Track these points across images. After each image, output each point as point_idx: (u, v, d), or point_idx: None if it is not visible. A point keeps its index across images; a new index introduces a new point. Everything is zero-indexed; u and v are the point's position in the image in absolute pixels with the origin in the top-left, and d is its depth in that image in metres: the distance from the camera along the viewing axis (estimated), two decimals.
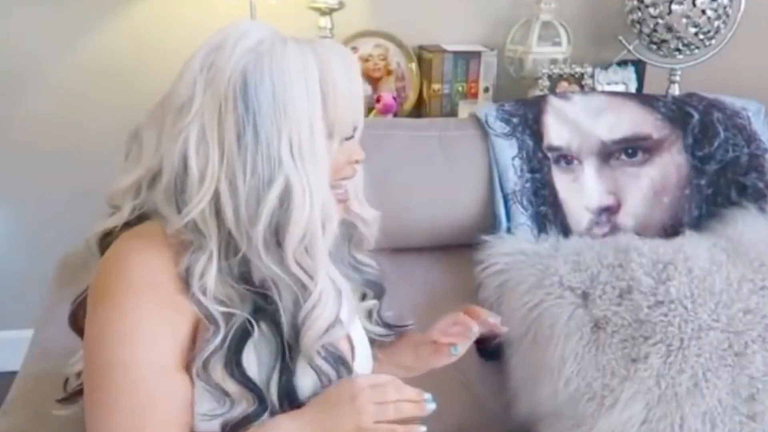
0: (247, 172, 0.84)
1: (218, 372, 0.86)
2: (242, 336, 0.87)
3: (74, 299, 0.96)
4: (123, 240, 0.89)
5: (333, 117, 0.88)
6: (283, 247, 0.86)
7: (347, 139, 0.93)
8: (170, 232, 0.87)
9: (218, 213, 0.85)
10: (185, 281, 0.86)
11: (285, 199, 0.85)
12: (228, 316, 0.86)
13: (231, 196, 0.84)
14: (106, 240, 0.92)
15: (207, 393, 0.86)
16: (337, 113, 0.89)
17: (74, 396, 0.99)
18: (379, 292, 1.12)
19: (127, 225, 0.91)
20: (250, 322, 0.87)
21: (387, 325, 1.14)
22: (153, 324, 0.85)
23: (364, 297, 1.11)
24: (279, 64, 0.85)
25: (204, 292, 0.85)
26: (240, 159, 0.84)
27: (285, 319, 0.88)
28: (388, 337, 1.14)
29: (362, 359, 1.04)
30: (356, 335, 1.05)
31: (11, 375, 1.30)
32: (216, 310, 0.86)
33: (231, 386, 0.86)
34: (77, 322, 0.95)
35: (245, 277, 0.88)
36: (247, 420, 0.87)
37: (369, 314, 1.12)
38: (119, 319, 0.84)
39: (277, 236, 0.86)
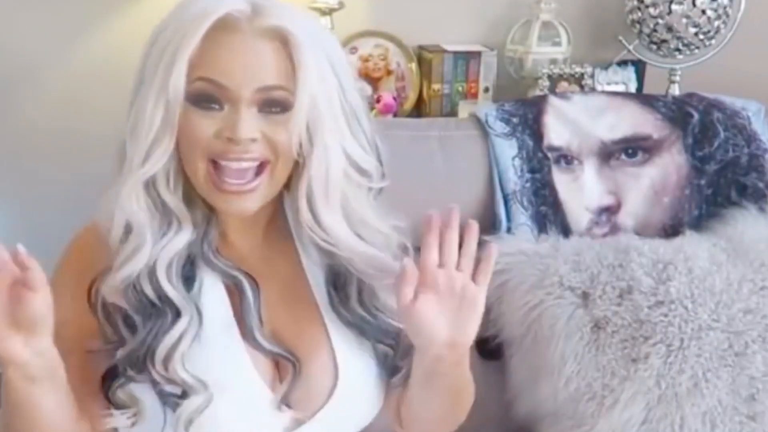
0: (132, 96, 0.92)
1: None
2: None
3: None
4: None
5: (163, 66, 0.86)
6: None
7: (199, 102, 0.86)
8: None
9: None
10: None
11: (130, 118, 0.90)
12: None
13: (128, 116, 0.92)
14: None
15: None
16: (161, 61, 0.87)
17: None
18: (389, 350, 0.98)
19: None
20: None
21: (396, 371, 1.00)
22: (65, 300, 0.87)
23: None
24: (161, 20, 0.91)
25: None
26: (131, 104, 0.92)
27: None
28: (397, 379, 1.00)
29: (349, 393, 0.95)
30: (349, 365, 0.96)
31: None
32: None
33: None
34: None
35: None
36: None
37: (383, 358, 0.99)
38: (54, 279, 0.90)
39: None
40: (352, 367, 0.96)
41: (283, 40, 0.85)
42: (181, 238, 0.90)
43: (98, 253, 0.91)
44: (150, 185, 0.88)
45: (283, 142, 0.87)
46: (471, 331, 0.89)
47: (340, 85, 0.89)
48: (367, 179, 0.95)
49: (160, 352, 0.87)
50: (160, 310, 0.88)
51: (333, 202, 0.91)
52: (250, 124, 0.85)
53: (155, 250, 0.88)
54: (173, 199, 0.90)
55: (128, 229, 0.89)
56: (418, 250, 1.51)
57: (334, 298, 0.97)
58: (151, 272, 0.88)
